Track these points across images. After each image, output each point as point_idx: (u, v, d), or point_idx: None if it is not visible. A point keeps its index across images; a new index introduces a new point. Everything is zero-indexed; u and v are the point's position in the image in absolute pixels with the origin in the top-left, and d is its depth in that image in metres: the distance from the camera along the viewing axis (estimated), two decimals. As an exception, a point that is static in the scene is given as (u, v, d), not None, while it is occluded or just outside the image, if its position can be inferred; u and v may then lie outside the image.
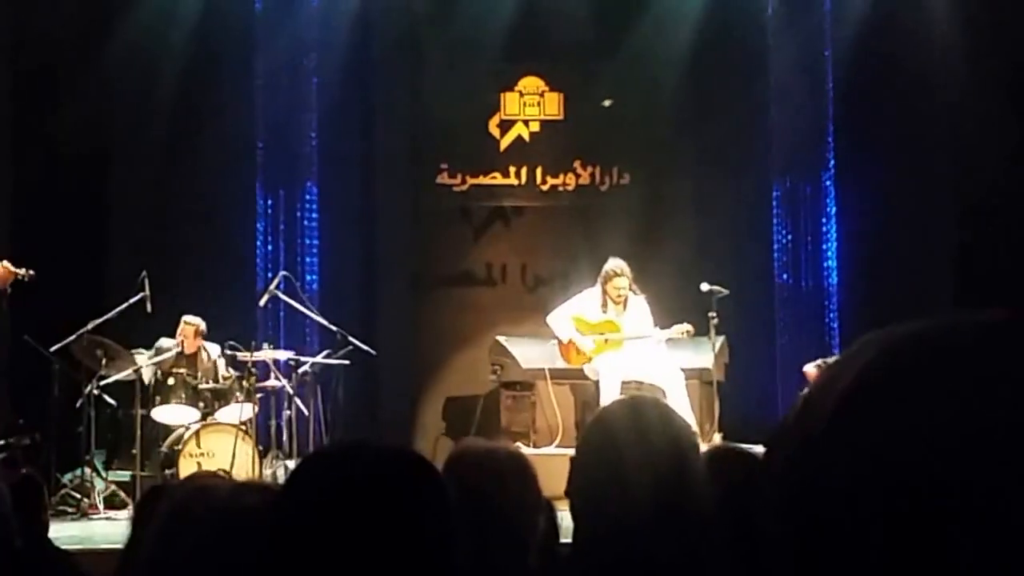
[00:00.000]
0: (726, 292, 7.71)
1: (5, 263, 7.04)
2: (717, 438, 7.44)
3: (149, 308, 7.31)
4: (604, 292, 7.72)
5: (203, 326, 7.62)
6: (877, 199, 8.52)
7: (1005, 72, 8.43)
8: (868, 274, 8.59)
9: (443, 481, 1.35)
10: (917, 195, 8.46)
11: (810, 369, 7.46)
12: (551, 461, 6.17)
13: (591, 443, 1.73)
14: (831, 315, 8.80)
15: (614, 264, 7.68)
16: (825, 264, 8.89)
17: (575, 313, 7.82)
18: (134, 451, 7.22)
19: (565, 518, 2.26)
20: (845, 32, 8.85)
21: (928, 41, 8.65)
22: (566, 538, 2.14)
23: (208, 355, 7.68)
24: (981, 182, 8.29)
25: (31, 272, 7.03)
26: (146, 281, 7.29)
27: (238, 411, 7.27)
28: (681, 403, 7.14)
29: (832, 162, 8.98)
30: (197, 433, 7.14)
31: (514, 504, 2.15)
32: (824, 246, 8.90)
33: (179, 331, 7.59)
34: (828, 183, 8.98)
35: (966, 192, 8.44)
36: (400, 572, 1.25)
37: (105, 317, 7.17)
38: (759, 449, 3.73)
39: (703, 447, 1.92)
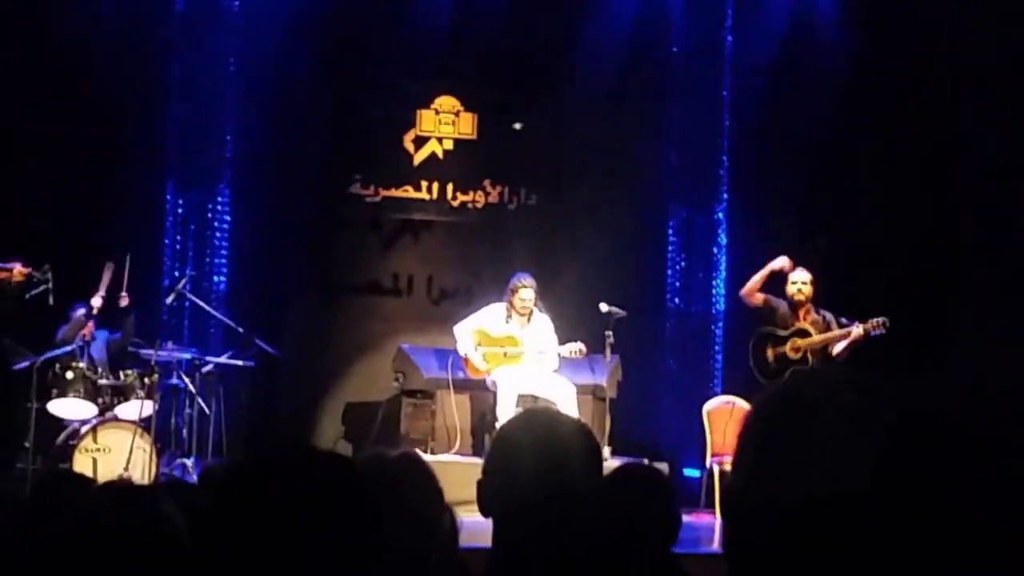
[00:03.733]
0: (624, 313, 8.03)
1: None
2: (606, 451, 7.78)
3: (51, 300, 7.27)
4: (510, 304, 7.97)
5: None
6: (763, 233, 8.90)
7: (889, 120, 8.96)
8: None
9: (366, 484, 1.48)
10: (798, 230, 8.91)
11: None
12: (451, 468, 6.46)
13: (493, 455, 2.03)
14: (717, 339, 9.18)
15: (521, 277, 7.95)
16: (714, 291, 9.29)
17: (478, 326, 8.06)
18: (27, 443, 7.15)
19: (464, 522, 2.54)
20: (743, 74, 9.27)
21: (819, 90, 9.10)
22: (466, 541, 2.42)
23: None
24: (858, 223, 8.80)
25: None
26: (49, 273, 7.26)
27: (137, 408, 7.24)
28: (572, 415, 7.48)
29: (725, 196, 9.37)
30: (94, 428, 7.09)
31: (418, 508, 2.41)
32: (714, 274, 9.27)
33: (77, 323, 7.56)
34: (720, 215, 9.36)
35: (843, 230, 8.96)
36: (332, 570, 1.38)
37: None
38: (646, 462, 4.12)
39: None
